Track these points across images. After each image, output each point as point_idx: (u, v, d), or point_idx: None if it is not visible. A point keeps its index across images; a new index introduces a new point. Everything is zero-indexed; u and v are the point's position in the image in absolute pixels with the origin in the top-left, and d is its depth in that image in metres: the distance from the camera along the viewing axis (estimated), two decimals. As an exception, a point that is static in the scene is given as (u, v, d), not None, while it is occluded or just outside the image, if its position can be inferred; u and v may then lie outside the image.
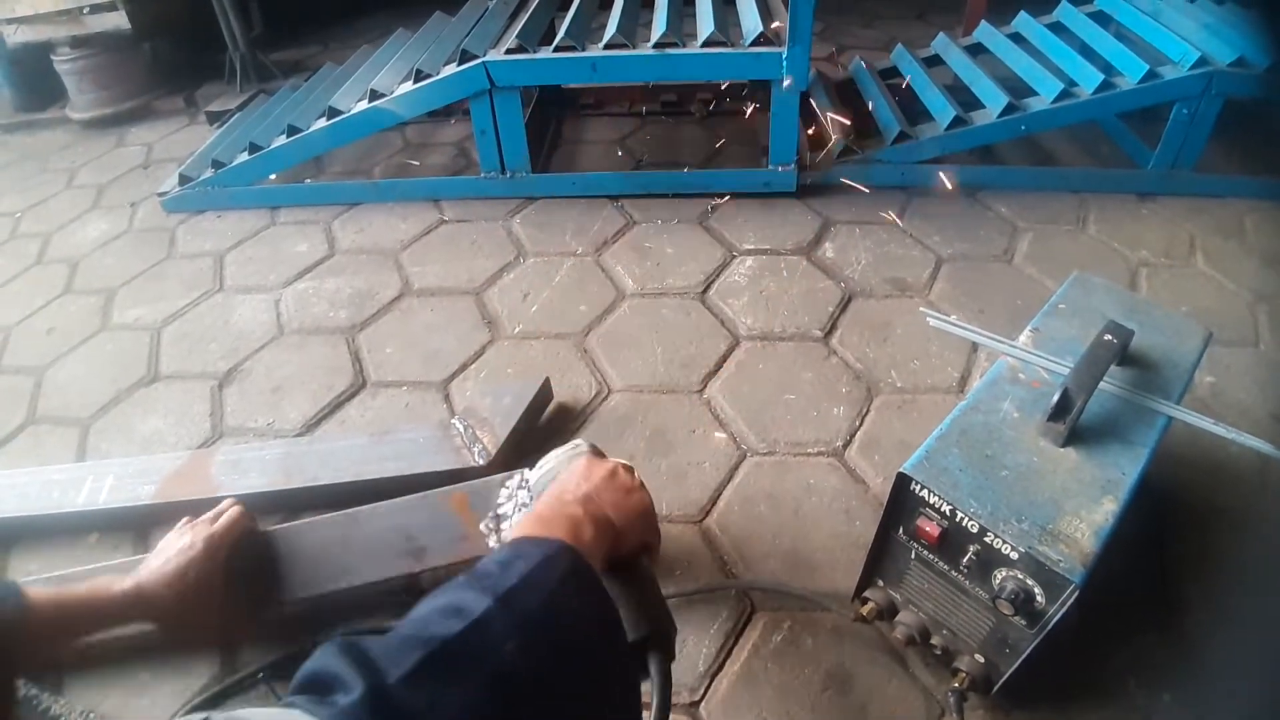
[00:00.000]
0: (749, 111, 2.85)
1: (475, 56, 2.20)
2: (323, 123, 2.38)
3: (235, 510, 1.22)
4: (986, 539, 0.95)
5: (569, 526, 0.77)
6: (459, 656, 0.50)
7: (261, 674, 1.19)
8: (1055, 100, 2.21)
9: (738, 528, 1.43)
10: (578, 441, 1.10)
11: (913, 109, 2.49)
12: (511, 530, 1.17)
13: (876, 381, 1.73)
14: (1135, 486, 0.99)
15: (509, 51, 2.22)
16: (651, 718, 0.80)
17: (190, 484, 1.47)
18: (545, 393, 1.65)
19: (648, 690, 0.81)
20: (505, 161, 2.40)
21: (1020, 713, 1.14)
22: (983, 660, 1.07)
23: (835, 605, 1.25)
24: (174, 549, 1.12)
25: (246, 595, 1.20)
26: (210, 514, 1.21)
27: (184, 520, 1.21)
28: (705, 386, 1.74)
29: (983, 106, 2.33)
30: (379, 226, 2.39)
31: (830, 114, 2.42)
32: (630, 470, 0.95)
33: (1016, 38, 2.65)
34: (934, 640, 1.12)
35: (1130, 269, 2.05)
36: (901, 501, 1.04)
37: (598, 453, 1.05)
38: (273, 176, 2.52)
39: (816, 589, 1.31)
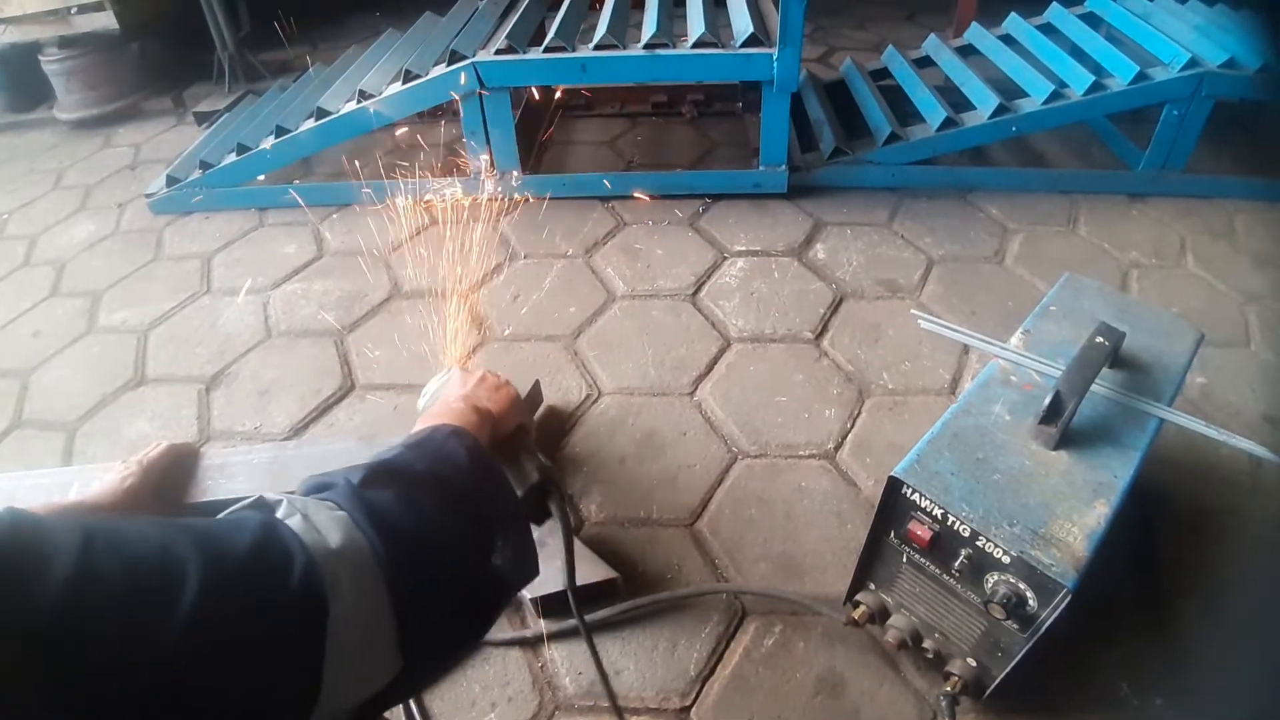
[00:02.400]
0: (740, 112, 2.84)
1: (465, 57, 2.19)
2: (311, 123, 2.36)
3: (167, 444, 1.45)
4: (978, 543, 0.95)
5: (453, 417, 0.93)
6: (386, 472, 0.72)
7: None
8: (1046, 101, 2.22)
9: (729, 531, 1.43)
10: (450, 369, 1.25)
11: (904, 110, 2.49)
12: None
13: (868, 383, 1.72)
14: (1127, 489, 0.98)
15: (499, 52, 2.21)
16: (562, 545, 1.01)
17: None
18: (536, 395, 1.64)
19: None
20: (495, 162, 2.38)
21: (1012, 717, 1.14)
22: (975, 664, 1.07)
23: (827, 609, 1.24)
24: (115, 473, 1.34)
25: (177, 505, 1.40)
26: (149, 447, 1.44)
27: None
28: (696, 389, 1.73)
29: (973, 108, 2.34)
30: (367, 228, 2.37)
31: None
32: (496, 375, 1.14)
33: (1007, 39, 2.65)
34: (926, 644, 1.12)
35: (1121, 270, 2.05)
36: (893, 505, 1.03)
37: (466, 370, 1.19)
38: (261, 178, 2.50)
39: (808, 592, 1.30)
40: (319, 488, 0.70)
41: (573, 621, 1.26)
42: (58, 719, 0.41)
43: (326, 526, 0.61)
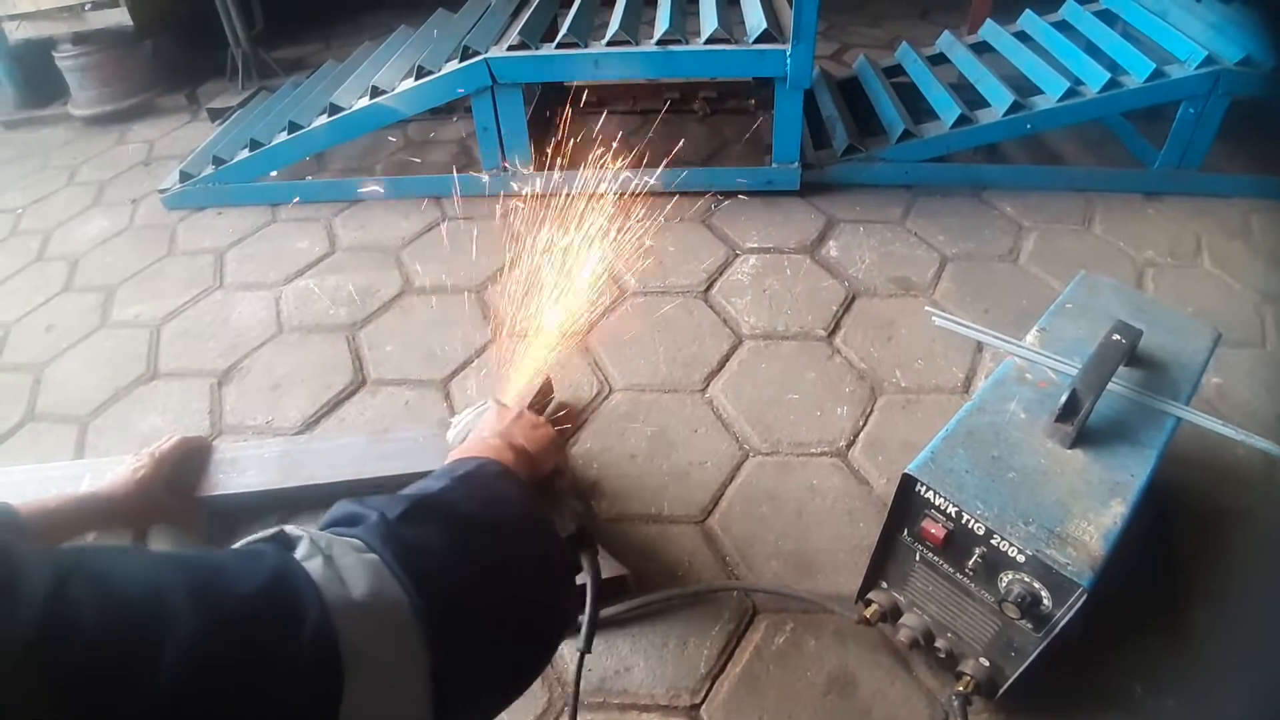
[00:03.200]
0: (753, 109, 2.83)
1: (477, 53, 2.19)
2: (324, 119, 2.37)
3: (179, 437, 1.44)
4: (993, 541, 0.94)
5: (492, 455, 0.89)
6: (431, 508, 0.67)
7: None
8: (1061, 99, 2.20)
9: (740, 528, 1.42)
10: (485, 400, 1.23)
11: (917, 107, 2.48)
12: None
13: (880, 381, 1.71)
14: (1144, 489, 0.98)
15: (511, 48, 2.21)
16: (589, 597, 0.97)
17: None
18: (546, 391, 1.64)
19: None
20: (507, 158, 2.38)
21: (1025, 717, 1.13)
22: (988, 664, 1.06)
23: (838, 607, 1.23)
24: (127, 466, 1.35)
25: (189, 495, 1.42)
26: (161, 440, 1.45)
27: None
28: (708, 386, 1.73)
29: (988, 105, 2.32)
30: (380, 224, 2.38)
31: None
32: (533, 413, 1.12)
33: (1022, 36, 2.63)
34: (938, 643, 1.11)
35: (1136, 269, 2.03)
36: (906, 503, 1.03)
37: (502, 405, 1.17)
38: (274, 173, 2.51)
39: (819, 591, 1.29)
40: (349, 519, 0.63)
41: (583, 617, 1.26)
42: None
43: (352, 573, 0.54)
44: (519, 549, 0.72)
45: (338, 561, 0.55)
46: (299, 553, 0.55)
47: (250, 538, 0.58)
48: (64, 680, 0.38)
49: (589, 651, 0.99)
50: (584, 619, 0.97)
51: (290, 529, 0.58)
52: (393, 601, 0.55)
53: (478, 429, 1.10)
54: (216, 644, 0.44)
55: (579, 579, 0.97)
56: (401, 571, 0.57)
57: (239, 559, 0.52)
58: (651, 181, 2.36)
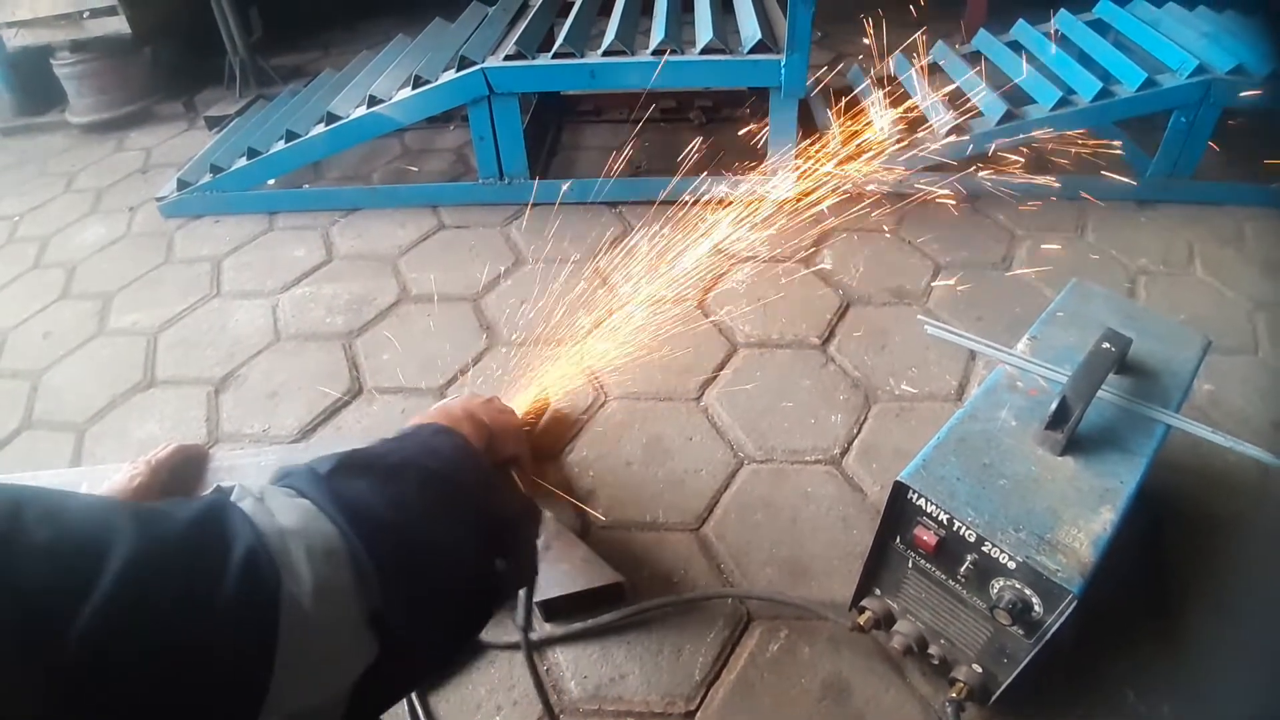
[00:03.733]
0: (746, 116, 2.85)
1: (474, 62, 2.21)
2: (321, 128, 2.38)
3: (176, 445, 1.46)
4: (984, 548, 0.95)
5: (447, 420, 0.89)
6: (360, 461, 0.69)
7: None
8: (1054, 108, 2.22)
9: (735, 536, 1.43)
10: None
11: (911, 117, 2.49)
12: None
13: (874, 389, 1.72)
14: (1134, 495, 0.98)
15: (508, 58, 2.22)
16: (523, 574, 0.93)
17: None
18: (542, 400, 1.65)
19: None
20: (504, 167, 2.40)
21: (1018, 723, 1.14)
22: (980, 670, 1.07)
23: (832, 614, 1.24)
24: (123, 473, 1.37)
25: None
26: (158, 448, 1.46)
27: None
28: (703, 394, 1.74)
29: (981, 114, 2.33)
30: (377, 232, 2.39)
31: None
32: (532, 419, 1.13)
33: (1015, 45, 2.65)
34: (931, 650, 1.12)
35: (1129, 277, 2.05)
36: (899, 510, 1.03)
37: (475, 394, 1.19)
38: (271, 182, 2.52)
39: (813, 598, 1.30)
40: (282, 475, 0.67)
41: (578, 625, 1.27)
42: None
43: (282, 509, 0.58)
44: (452, 489, 0.73)
45: (268, 502, 0.58)
46: (233, 496, 0.59)
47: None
48: (17, 588, 0.41)
49: (530, 630, 1.02)
50: (522, 597, 1.01)
51: (225, 484, 0.63)
52: (321, 528, 0.58)
53: (443, 405, 1.10)
54: (157, 558, 0.47)
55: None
56: (331, 508, 0.59)
57: (175, 503, 0.55)
58: (649, 189, 2.39)
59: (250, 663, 0.49)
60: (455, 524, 0.71)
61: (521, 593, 1.23)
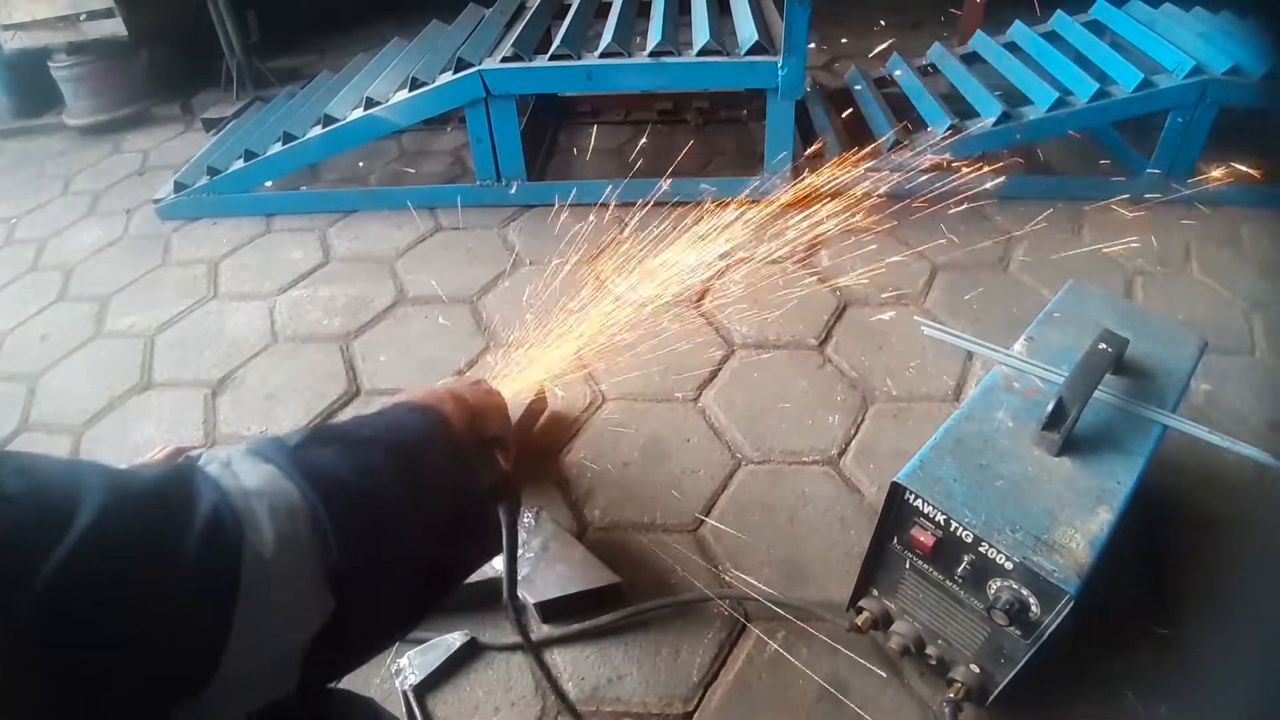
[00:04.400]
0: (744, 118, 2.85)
1: (471, 64, 2.21)
2: (318, 130, 2.38)
3: (173, 447, 1.37)
4: (981, 549, 0.95)
5: (431, 398, 0.89)
6: (328, 435, 0.70)
7: None
8: (1050, 109, 2.22)
9: (732, 536, 1.42)
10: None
11: (908, 118, 2.49)
12: None
13: (871, 390, 1.72)
14: (1130, 496, 0.98)
15: (505, 59, 2.22)
16: (504, 556, 0.99)
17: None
18: (540, 401, 1.64)
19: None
20: (501, 169, 2.40)
21: (1016, 723, 1.14)
22: (978, 670, 1.07)
23: (830, 615, 1.24)
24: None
25: None
26: (155, 450, 1.42)
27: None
28: (700, 395, 1.74)
29: (978, 115, 2.34)
30: (374, 234, 2.39)
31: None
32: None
33: (1012, 46, 2.65)
34: (929, 650, 1.12)
35: (1126, 277, 2.05)
36: (896, 511, 1.03)
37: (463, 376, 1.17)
38: (268, 184, 2.52)
39: (811, 599, 1.30)
40: (250, 445, 0.68)
41: (576, 626, 1.27)
42: None
43: (246, 472, 0.59)
44: (412, 468, 0.73)
45: (234, 465, 0.60)
46: (200, 462, 0.60)
47: None
48: None
49: (515, 600, 1.03)
50: (503, 570, 1.01)
51: (193, 452, 0.64)
52: (283, 489, 0.59)
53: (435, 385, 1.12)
54: (123, 512, 0.49)
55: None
56: (295, 472, 0.61)
57: (144, 464, 0.57)
58: (646, 191, 2.39)
59: (211, 613, 0.50)
60: (419, 495, 0.72)
61: (525, 595, 1.24)
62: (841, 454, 1.58)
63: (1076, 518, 0.95)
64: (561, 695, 1.18)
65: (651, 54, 2.18)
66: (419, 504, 0.72)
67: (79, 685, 0.44)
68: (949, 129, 2.27)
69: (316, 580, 0.58)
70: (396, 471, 0.70)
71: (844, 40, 3.76)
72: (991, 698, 1.06)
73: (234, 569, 0.51)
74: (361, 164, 2.81)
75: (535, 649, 1.14)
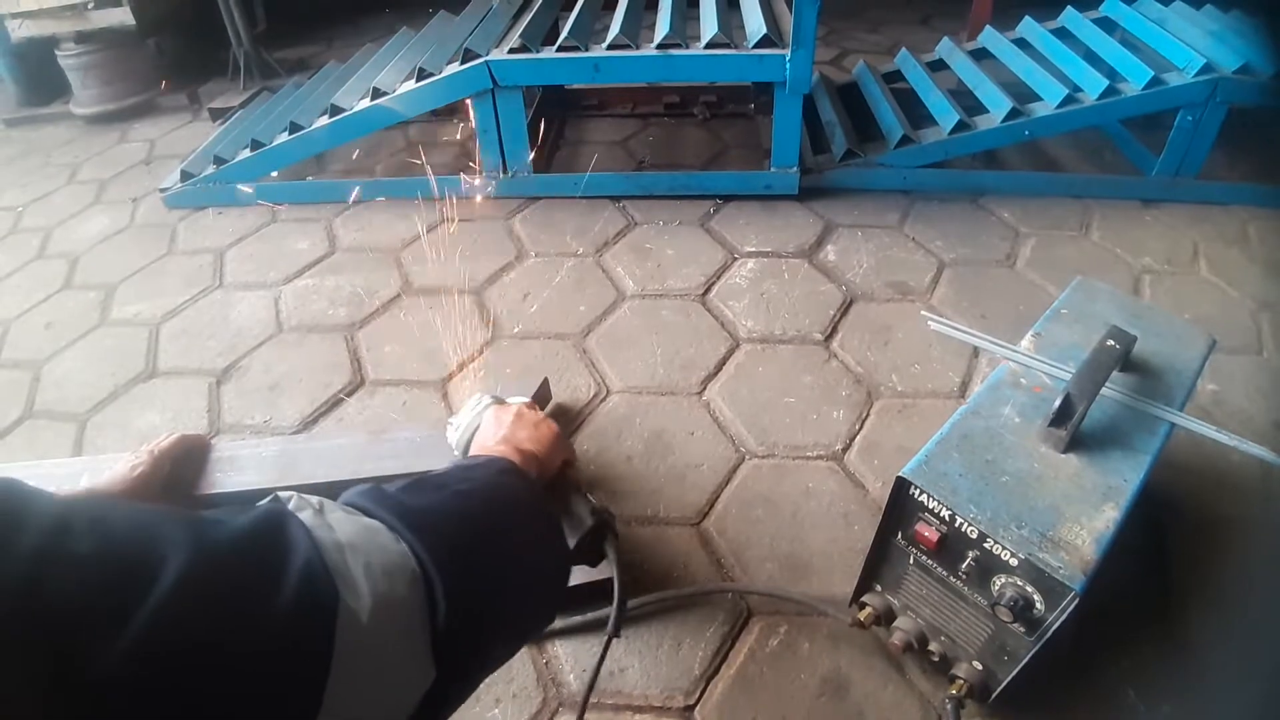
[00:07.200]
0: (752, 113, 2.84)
1: (478, 56, 2.20)
2: (325, 120, 2.37)
3: (178, 435, 1.42)
4: (986, 545, 0.94)
5: (497, 454, 0.90)
6: (427, 484, 0.70)
7: None
8: (1059, 105, 2.21)
9: (735, 531, 1.42)
10: (479, 396, 1.23)
11: (916, 113, 2.48)
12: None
13: (877, 385, 1.72)
14: (1137, 494, 0.98)
15: (512, 51, 2.21)
16: (615, 586, 1.00)
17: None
18: (544, 393, 1.64)
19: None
20: (507, 161, 2.39)
21: (1018, 721, 1.14)
22: (981, 667, 1.06)
23: (832, 610, 1.24)
24: (125, 463, 1.33)
25: (187, 493, 1.39)
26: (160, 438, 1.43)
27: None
28: (705, 388, 1.73)
29: (986, 111, 2.33)
30: (380, 225, 2.39)
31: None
32: (533, 408, 1.13)
33: (1021, 43, 2.64)
34: (932, 646, 1.11)
35: (1133, 275, 2.04)
36: (900, 506, 1.03)
37: (499, 401, 1.19)
38: (274, 174, 2.52)
39: (814, 593, 1.30)
40: (346, 495, 0.65)
41: (577, 618, 1.27)
42: (20, 697, 0.37)
43: (340, 523, 0.55)
44: (517, 524, 0.73)
45: (328, 515, 0.56)
46: (290, 505, 0.57)
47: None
48: (62, 610, 0.39)
49: (618, 635, 1.00)
50: (613, 608, 1.00)
51: (283, 493, 0.60)
52: (384, 546, 0.56)
53: (479, 436, 1.10)
54: (210, 572, 0.45)
55: (601, 567, 1.03)
56: (395, 521, 0.58)
57: (230, 510, 0.53)
58: (652, 184, 2.39)
59: (303, 684, 0.47)
60: (519, 547, 0.71)
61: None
62: (846, 449, 1.58)
63: (1083, 515, 0.95)
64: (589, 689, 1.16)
65: (659, 46, 2.17)
66: (522, 556, 0.71)
67: None
68: (958, 124, 2.26)
69: (421, 643, 0.55)
70: (498, 521, 0.70)
71: (853, 35, 3.76)
72: (994, 695, 1.06)
73: (329, 632, 0.48)
74: (367, 155, 2.81)
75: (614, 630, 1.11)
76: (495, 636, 0.65)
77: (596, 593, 1.28)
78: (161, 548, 0.44)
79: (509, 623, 0.68)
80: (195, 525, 0.47)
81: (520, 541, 0.72)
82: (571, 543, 1.00)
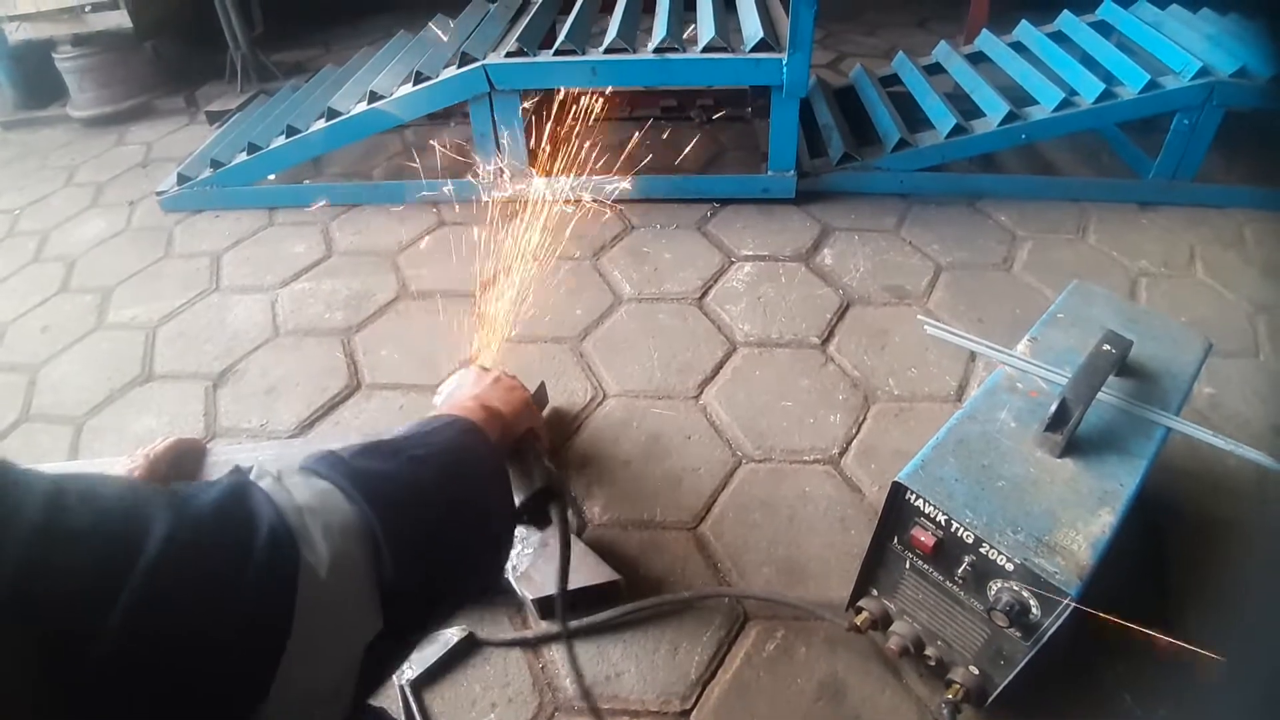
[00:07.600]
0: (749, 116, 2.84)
1: (475, 59, 2.20)
2: (322, 124, 2.37)
3: (174, 438, 1.44)
4: (982, 550, 0.94)
5: (464, 413, 0.91)
6: (382, 449, 0.71)
7: None
8: (1056, 109, 2.21)
9: (732, 535, 1.42)
10: (464, 367, 1.26)
11: (913, 117, 2.49)
12: None
13: (874, 389, 1.72)
14: (1133, 498, 0.98)
15: (509, 54, 2.22)
16: (558, 553, 0.99)
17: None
18: (542, 396, 1.64)
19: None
20: (504, 164, 2.39)
21: (1014, 725, 1.13)
22: (977, 672, 1.06)
23: (829, 614, 1.24)
24: (121, 466, 1.35)
25: None
26: (156, 441, 1.44)
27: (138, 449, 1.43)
28: (701, 392, 1.73)
29: (983, 115, 2.33)
30: (377, 228, 2.39)
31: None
32: (511, 376, 1.15)
33: (1018, 46, 2.64)
34: (928, 651, 1.11)
35: (1130, 278, 2.04)
36: (897, 511, 1.03)
37: (483, 369, 1.20)
38: (271, 177, 2.51)
39: (810, 598, 1.30)
40: (303, 460, 0.69)
41: (573, 624, 1.26)
42: (23, 673, 0.39)
43: (298, 487, 0.60)
44: (467, 488, 0.76)
45: (285, 480, 0.60)
46: (251, 475, 0.61)
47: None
48: (65, 583, 0.42)
49: (565, 591, 1.00)
50: (556, 575, 1.01)
51: (244, 465, 0.63)
52: (337, 505, 0.60)
53: (456, 390, 1.16)
54: (190, 535, 0.49)
55: (547, 533, 1.06)
56: (349, 486, 0.62)
57: (199, 485, 0.57)
58: (649, 187, 2.39)
59: (267, 636, 0.50)
60: (469, 512, 0.75)
61: (525, 592, 1.24)
62: (843, 453, 1.58)
63: (1079, 519, 0.95)
64: (586, 693, 1.16)
65: (656, 50, 2.17)
66: (468, 523, 0.74)
67: (151, 711, 0.45)
68: (954, 128, 2.27)
69: (369, 597, 0.59)
70: (447, 489, 0.73)
71: (849, 38, 3.76)
72: (990, 699, 1.06)
73: (291, 588, 0.52)
74: (365, 158, 2.80)
75: (568, 639, 1.13)
76: (438, 595, 0.69)
77: (600, 596, 1.28)
78: (146, 523, 0.48)
79: (451, 582, 0.71)
80: (173, 499, 0.51)
81: (467, 504, 0.75)
82: (518, 501, 1.01)
